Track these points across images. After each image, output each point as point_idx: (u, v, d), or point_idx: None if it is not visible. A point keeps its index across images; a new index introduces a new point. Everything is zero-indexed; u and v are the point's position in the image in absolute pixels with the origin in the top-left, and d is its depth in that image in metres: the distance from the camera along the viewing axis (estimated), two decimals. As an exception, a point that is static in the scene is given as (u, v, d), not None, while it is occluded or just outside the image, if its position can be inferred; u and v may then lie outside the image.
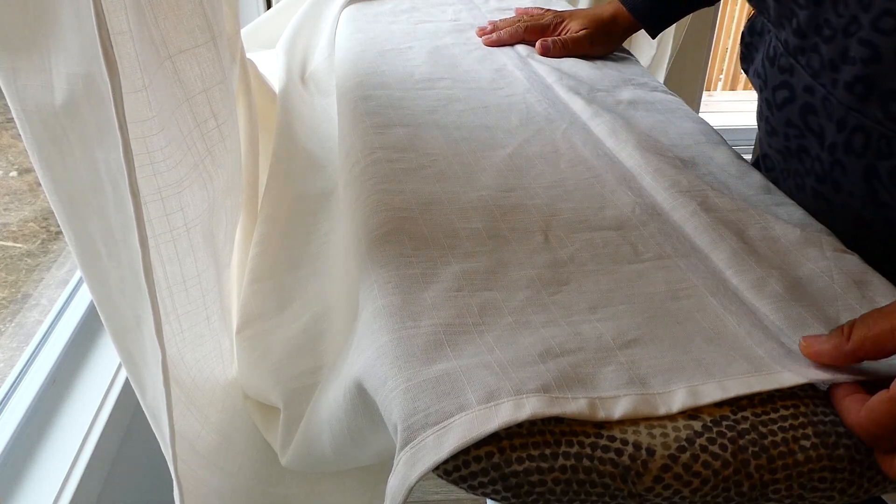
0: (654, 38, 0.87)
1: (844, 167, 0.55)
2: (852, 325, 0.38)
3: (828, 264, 0.47)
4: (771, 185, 0.58)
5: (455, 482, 0.34)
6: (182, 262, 0.51)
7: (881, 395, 0.35)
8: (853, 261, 0.48)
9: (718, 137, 0.65)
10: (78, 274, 0.88)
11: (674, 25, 1.43)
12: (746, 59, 0.68)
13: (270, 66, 0.85)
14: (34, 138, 0.38)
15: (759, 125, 0.66)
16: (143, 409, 0.47)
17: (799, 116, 0.58)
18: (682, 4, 0.84)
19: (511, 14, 0.94)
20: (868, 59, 0.50)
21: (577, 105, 0.68)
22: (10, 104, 0.37)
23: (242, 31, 0.85)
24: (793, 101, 0.58)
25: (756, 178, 0.58)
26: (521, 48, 0.83)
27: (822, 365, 0.38)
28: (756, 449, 0.35)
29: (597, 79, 0.76)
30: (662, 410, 0.36)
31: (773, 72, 0.60)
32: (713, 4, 0.83)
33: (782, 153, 0.61)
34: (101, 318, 0.44)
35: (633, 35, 1.53)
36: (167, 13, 0.47)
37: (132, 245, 0.38)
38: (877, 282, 0.46)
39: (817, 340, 0.39)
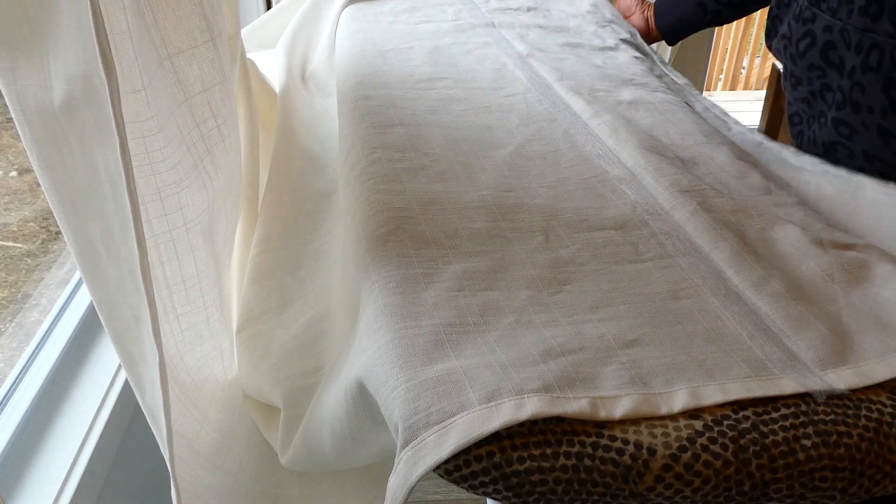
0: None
1: (863, 86, 0.63)
2: None
3: (828, 260, 0.47)
4: (771, 185, 0.58)
5: (456, 482, 0.34)
6: (181, 261, 0.51)
7: None
8: (854, 256, 0.48)
9: (719, 138, 0.65)
10: (78, 274, 0.88)
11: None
12: (770, 33, 0.78)
13: (270, 66, 0.85)
14: (33, 138, 0.38)
15: (784, 89, 0.77)
16: (143, 409, 0.47)
17: (820, 56, 0.67)
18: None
19: (511, 13, 0.94)
20: None
21: (578, 105, 0.68)
22: (9, 104, 0.37)
23: (242, 31, 0.84)
24: (814, 45, 0.68)
25: (756, 178, 0.58)
26: (521, 47, 0.83)
27: (819, 373, 0.38)
28: (757, 448, 0.34)
29: (597, 78, 0.76)
30: (664, 410, 0.36)
31: (797, 27, 0.70)
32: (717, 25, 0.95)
33: (807, 100, 0.71)
34: (101, 318, 0.44)
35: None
36: (166, 13, 0.47)
37: (131, 244, 0.38)
38: (879, 274, 0.46)
39: None
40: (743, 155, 0.63)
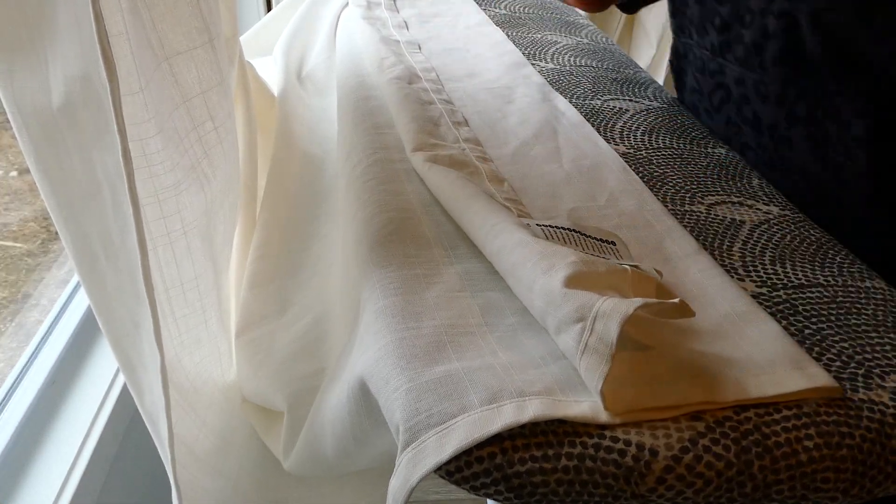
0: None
1: (791, 141, 0.56)
2: None
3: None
4: None
5: (457, 483, 0.33)
6: (180, 265, 0.51)
7: None
8: None
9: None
10: (77, 275, 0.88)
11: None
12: (679, 87, 0.71)
13: (268, 72, 0.85)
14: (31, 141, 0.37)
15: None
16: (141, 414, 0.46)
17: (736, 111, 0.60)
18: None
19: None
20: (787, 27, 0.52)
21: (571, 110, 0.68)
22: (6, 106, 0.37)
23: (241, 38, 0.84)
24: (728, 100, 0.61)
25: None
26: (523, 48, 0.83)
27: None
28: (759, 449, 0.34)
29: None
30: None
31: (706, 79, 0.63)
32: None
33: None
34: (99, 322, 0.43)
35: (633, 36, 1.52)
36: (164, 15, 0.46)
37: (130, 248, 0.37)
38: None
39: None
40: None
